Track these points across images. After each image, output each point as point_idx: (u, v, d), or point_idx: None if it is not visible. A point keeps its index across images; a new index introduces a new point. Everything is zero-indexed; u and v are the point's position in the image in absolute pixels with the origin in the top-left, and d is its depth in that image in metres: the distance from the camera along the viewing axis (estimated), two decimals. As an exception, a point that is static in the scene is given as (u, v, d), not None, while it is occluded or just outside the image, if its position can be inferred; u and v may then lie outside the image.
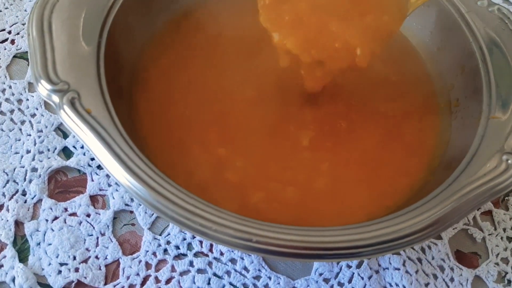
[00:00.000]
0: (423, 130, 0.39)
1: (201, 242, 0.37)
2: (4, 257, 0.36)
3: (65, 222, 0.38)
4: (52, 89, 0.31)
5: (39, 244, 0.37)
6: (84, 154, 0.41)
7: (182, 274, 0.36)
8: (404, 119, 0.39)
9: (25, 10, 0.50)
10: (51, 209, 0.39)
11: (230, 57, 0.41)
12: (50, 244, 0.37)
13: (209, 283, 0.36)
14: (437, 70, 0.42)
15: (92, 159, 0.41)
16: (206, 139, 0.36)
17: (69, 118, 0.30)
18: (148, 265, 0.36)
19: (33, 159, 0.40)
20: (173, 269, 0.36)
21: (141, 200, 0.28)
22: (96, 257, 0.37)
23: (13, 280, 0.35)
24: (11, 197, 0.38)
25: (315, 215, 0.34)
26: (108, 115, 0.30)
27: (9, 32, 0.48)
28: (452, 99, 0.40)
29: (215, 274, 0.36)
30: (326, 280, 0.37)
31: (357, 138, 0.38)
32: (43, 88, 0.31)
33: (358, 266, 0.37)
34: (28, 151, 0.41)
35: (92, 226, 0.38)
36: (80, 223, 0.38)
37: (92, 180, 0.40)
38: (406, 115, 0.40)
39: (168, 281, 0.36)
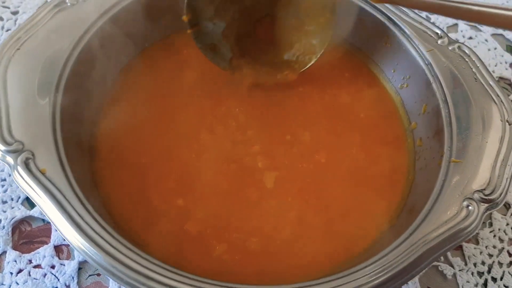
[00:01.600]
0: (392, 170, 0.39)
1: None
2: (-29, 312, 0.35)
3: (30, 275, 0.37)
4: (6, 150, 0.30)
5: (3, 298, 0.36)
6: (48, 204, 0.40)
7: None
8: (373, 159, 0.39)
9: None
10: (16, 261, 0.38)
11: (185, 101, 0.40)
12: (14, 299, 0.36)
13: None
14: (401, 108, 0.42)
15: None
16: (165, 190, 0.35)
17: (22, 179, 0.30)
18: (113, 317, 0.36)
19: (-4, 210, 0.39)
20: (139, 320, 0.36)
21: (96, 264, 0.28)
22: (61, 311, 0.36)
23: (-23, 337, 0.34)
24: (-25, 251, 0.38)
25: (279, 267, 0.33)
26: (63, 174, 0.30)
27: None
28: (415, 138, 0.40)
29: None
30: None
31: (325, 180, 0.38)
32: (-3, 149, 0.30)
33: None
34: (-9, 202, 0.40)
35: (57, 278, 0.37)
36: (45, 275, 0.37)
37: (56, 230, 0.39)
38: (375, 154, 0.39)
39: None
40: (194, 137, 0.38)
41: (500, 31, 0.57)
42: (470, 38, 0.56)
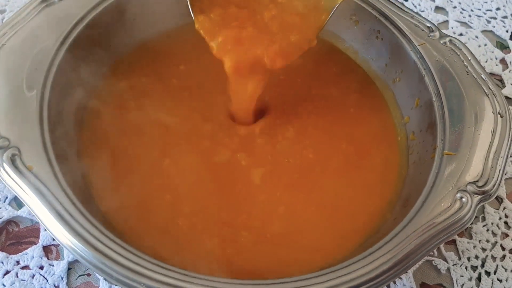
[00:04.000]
0: (383, 165, 0.38)
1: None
2: (-45, 316, 0.34)
3: (17, 276, 0.36)
4: (-9, 147, 0.29)
5: (-11, 301, 0.35)
6: (36, 203, 0.39)
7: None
8: (363, 154, 0.39)
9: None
10: (2, 262, 0.37)
11: (173, 96, 0.40)
12: (1, 301, 0.35)
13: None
14: (393, 103, 0.41)
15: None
16: (153, 185, 0.35)
17: (9, 176, 0.29)
18: (104, 318, 0.35)
19: (-17, 211, 0.39)
20: (130, 320, 0.35)
21: (86, 261, 0.27)
22: (50, 312, 0.35)
23: None
24: (-40, 252, 0.37)
25: (271, 262, 0.33)
26: (51, 171, 0.29)
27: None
28: (408, 132, 0.39)
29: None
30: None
31: (315, 176, 0.37)
32: (-18, 146, 0.30)
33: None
34: (-23, 202, 0.39)
35: (46, 279, 0.36)
36: (33, 276, 0.37)
37: (45, 230, 0.38)
38: (365, 149, 0.39)
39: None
40: (181, 130, 0.38)
41: (490, 27, 0.57)
42: (461, 34, 0.56)
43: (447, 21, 0.57)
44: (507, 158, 0.33)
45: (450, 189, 0.32)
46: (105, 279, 0.33)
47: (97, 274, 0.37)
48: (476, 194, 0.32)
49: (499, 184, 0.32)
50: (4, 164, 0.29)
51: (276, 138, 0.38)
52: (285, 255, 0.33)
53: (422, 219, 0.30)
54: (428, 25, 0.40)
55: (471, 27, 0.57)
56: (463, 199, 0.31)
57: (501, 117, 0.35)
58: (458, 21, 0.57)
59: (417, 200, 0.32)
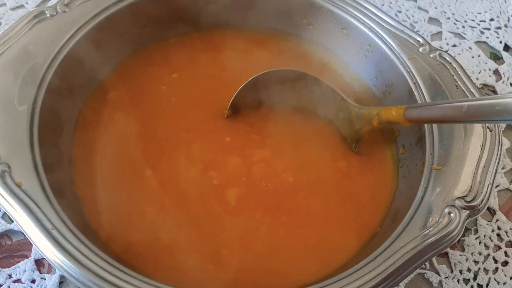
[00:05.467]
0: (376, 182, 0.38)
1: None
2: None
3: (9, 290, 0.36)
4: (-19, 164, 0.30)
5: (-20, 316, 0.35)
6: (28, 217, 0.39)
7: None
8: (357, 170, 0.39)
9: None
10: (-6, 276, 0.37)
11: (161, 116, 0.40)
12: (-8, 316, 0.35)
13: None
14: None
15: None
16: (137, 198, 0.35)
17: (-2, 193, 0.29)
18: (95, 333, 0.35)
19: (-25, 224, 0.39)
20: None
21: (74, 279, 0.27)
22: (41, 327, 0.35)
23: None
24: (-48, 267, 0.37)
25: (255, 279, 0.32)
26: (40, 187, 0.30)
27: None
28: (399, 146, 0.39)
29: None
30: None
31: (300, 199, 0.37)
32: (-28, 162, 0.30)
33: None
34: (-31, 216, 0.39)
35: (37, 292, 0.37)
36: (25, 290, 0.37)
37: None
38: (359, 166, 0.39)
39: None
40: (167, 145, 0.38)
41: (483, 38, 0.57)
42: (454, 45, 0.56)
43: (440, 32, 0.57)
44: (495, 173, 0.33)
45: (438, 204, 0.32)
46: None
47: (88, 288, 0.37)
48: (464, 209, 0.32)
49: (488, 199, 0.32)
50: (-6, 181, 0.29)
51: (251, 159, 0.38)
52: (269, 274, 0.33)
53: (411, 234, 0.30)
54: (418, 39, 0.40)
55: (464, 38, 0.57)
56: (451, 214, 0.31)
57: (490, 131, 0.35)
58: (451, 32, 0.57)
59: (405, 215, 0.32)
